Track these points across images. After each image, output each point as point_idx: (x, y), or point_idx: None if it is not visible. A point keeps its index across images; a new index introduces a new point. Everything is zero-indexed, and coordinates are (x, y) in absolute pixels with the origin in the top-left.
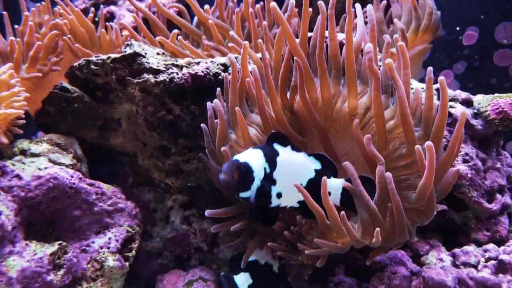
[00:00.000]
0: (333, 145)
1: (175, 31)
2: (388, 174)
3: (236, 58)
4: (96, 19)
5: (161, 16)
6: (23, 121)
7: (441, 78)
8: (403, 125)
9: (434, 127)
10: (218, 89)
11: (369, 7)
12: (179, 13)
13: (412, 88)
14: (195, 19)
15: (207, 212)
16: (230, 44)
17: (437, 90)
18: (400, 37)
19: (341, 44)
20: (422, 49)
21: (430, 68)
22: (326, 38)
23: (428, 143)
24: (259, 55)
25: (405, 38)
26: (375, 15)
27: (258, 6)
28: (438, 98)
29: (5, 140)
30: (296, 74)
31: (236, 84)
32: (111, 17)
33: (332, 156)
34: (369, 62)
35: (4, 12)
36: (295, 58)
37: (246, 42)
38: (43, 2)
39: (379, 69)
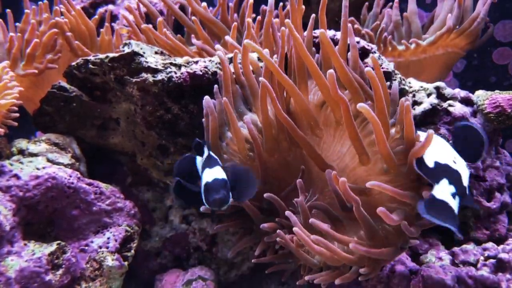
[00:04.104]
0: (326, 149)
1: (160, 19)
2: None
3: (229, 58)
4: (96, 16)
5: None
6: (17, 115)
7: None
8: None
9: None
10: (216, 86)
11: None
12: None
13: (411, 87)
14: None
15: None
16: (217, 46)
17: (435, 88)
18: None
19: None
20: (451, 53)
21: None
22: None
23: None
24: (254, 54)
25: (447, 36)
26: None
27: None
28: (438, 97)
29: (1, 130)
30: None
31: (228, 81)
32: (109, 16)
33: (321, 163)
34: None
35: (8, 10)
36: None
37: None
38: (45, 0)
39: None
